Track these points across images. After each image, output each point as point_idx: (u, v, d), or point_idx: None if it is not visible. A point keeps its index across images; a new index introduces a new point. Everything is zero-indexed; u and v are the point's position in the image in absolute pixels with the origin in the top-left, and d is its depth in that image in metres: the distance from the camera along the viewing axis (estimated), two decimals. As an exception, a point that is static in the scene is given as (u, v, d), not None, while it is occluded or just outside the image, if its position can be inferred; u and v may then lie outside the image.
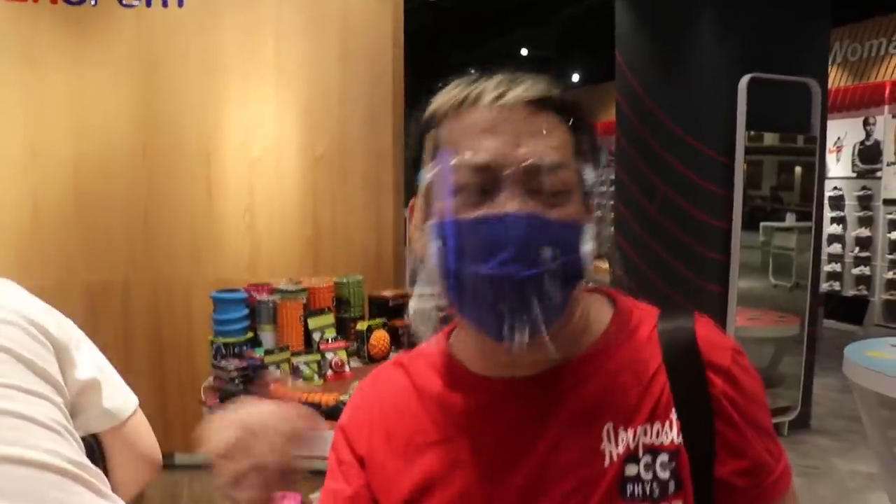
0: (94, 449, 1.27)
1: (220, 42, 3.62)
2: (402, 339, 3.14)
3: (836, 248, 9.90)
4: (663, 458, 0.82)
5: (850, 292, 9.78)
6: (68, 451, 1.04)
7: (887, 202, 9.38)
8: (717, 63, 4.97)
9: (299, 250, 3.74)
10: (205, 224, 3.68)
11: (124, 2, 3.59)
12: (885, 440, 3.58)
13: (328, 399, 2.39)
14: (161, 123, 3.62)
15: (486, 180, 0.77)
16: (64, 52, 3.55)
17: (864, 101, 9.53)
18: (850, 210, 9.91)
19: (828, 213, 9.81)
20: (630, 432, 0.83)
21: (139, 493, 1.33)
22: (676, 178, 5.17)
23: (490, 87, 0.80)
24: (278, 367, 2.66)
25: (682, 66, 5.19)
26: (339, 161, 3.73)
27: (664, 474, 0.82)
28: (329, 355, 2.82)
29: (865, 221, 9.74)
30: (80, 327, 1.23)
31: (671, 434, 0.83)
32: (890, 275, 9.34)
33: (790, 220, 5.69)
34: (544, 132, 0.79)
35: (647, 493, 0.81)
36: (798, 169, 5.54)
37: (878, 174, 9.56)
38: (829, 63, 9.52)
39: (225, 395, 2.46)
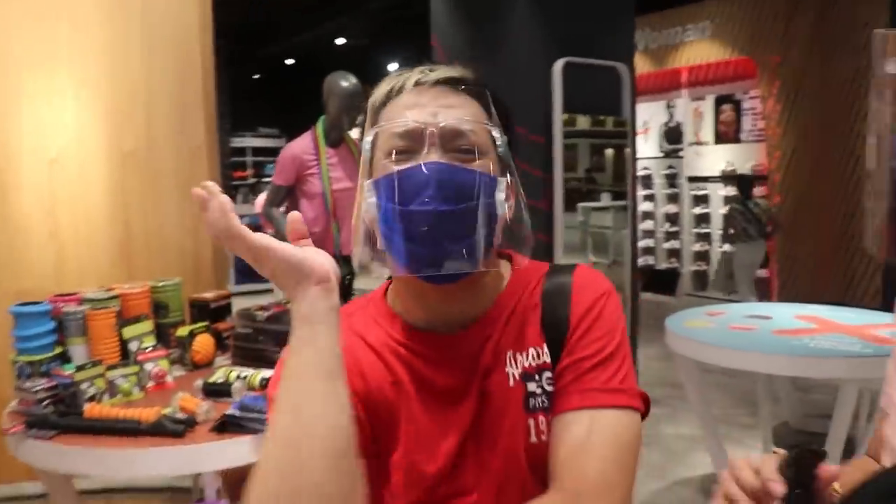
0: None
1: (3, 30, 3.27)
2: (226, 343, 2.98)
3: (648, 224, 10.49)
4: (547, 374, 1.02)
5: (663, 265, 10.39)
6: None
7: (691, 179, 10.03)
8: (533, 47, 5.08)
9: (110, 256, 3.46)
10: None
11: None
12: (705, 404, 3.79)
13: (149, 415, 2.20)
14: (-62, 123, 3.22)
15: (411, 144, 0.97)
16: None
17: (665, 86, 10.15)
18: (659, 188, 10.53)
19: (639, 192, 10.36)
20: (522, 355, 1.03)
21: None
22: (498, 163, 5.25)
23: (413, 75, 1.02)
24: (92, 383, 2.43)
25: (499, 50, 5.26)
26: (148, 159, 3.48)
27: (550, 388, 1.02)
28: (148, 366, 2.61)
29: (673, 198, 10.38)
30: None
31: (544, 355, 1.03)
32: (697, 247, 10.01)
33: (605, 199, 5.94)
34: (456, 105, 1.00)
35: (542, 405, 1.01)
36: (609, 151, 5.76)
37: (681, 153, 10.21)
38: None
39: (32, 420, 2.21)
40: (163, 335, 2.88)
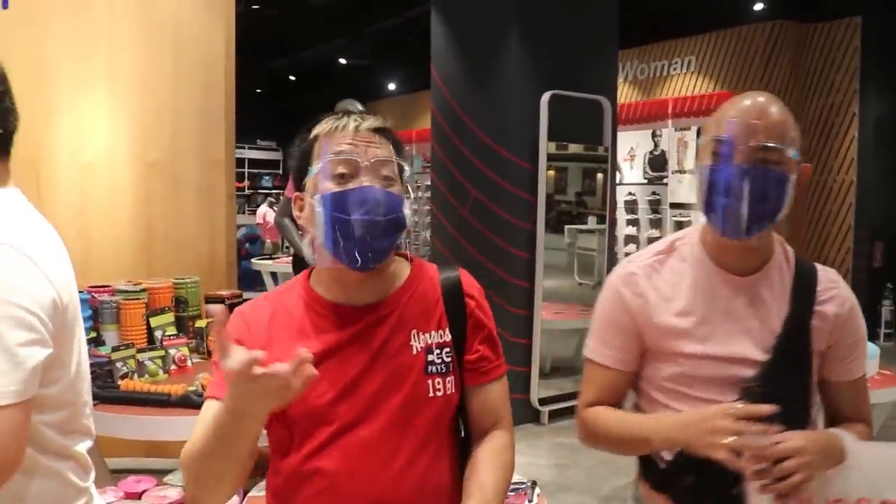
0: None
1: (49, 47, 3.63)
2: (239, 336, 3.33)
3: (631, 247, 10.84)
4: (446, 349, 1.42)
5: (644, 287, 10.74)
6: None
7: (673, 206, 10.41)
8: (522, 80, 5.48)
9: (133, 255, 3.82)
10: (34, 229, 3.68)
11: (-56, 0, 3.53)
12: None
13: (177, 389, 2.58)
14: (-17, 127, 3.56)
15: (350, 170, 1.33)
16: None
17: (651, 115, 10.55)
18: (643, 213, 10.89)
19: (624, 216, 10.76)
20: (426, 335, 1.41)
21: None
22: (486, 184, 5.62)
23: (351, 121, 1.38)
24: (125, 363, 2.80)
25: (490, 81, 5.66)
26: (171, 169, 3.85)
27: (447, 359, 1.42)
28: (172, 351, 2.99)
29: (655, 223, 10.74)
30: None
31: (447, 336, 1.43)
32: (677, 271, 10.34)
33: (592, 223, 6.25)
34: (381, 145, 1.37)
35: (439, 370, 1.41)
36: (600, 176, 6.04)
37: (665, 180, 10.59)
38: (621, 81, 10.48)
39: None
40: (182, 326, 3.25)
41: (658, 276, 1.62)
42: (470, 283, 1.49)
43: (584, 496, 4.31)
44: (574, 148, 5.77)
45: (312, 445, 1.35)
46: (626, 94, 10.67)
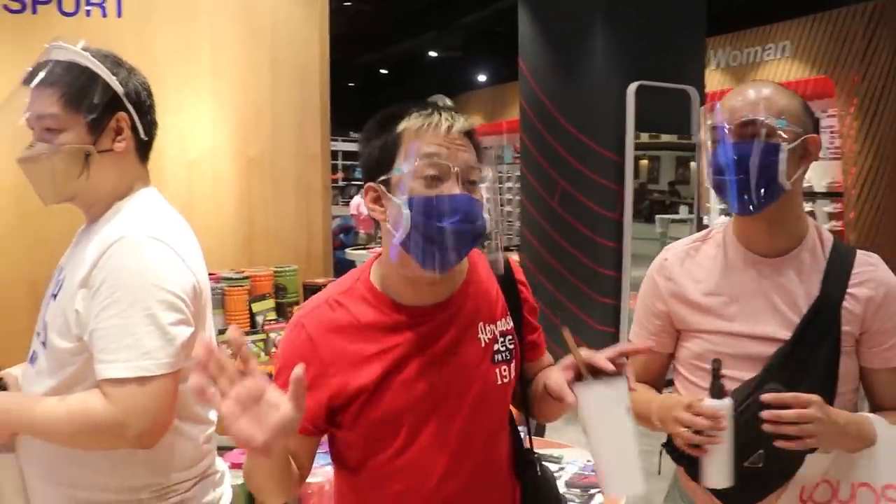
0: None
1: (158, 52, 3.86)
2: (334, 321, 3.51)
3: (723, 237, 10.67)
4: (509, 336, 1.49)
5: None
6: None
7: (767, 194, 10.17)
8: (609, 71, 5.51)
9: (235, 248, 4.03)
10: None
11: (64, 10, 3.80)
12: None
13: (278, 370, 2.76)
14: (101, 128, 3.84)
15: (440, 173, 1.29)
16: (3, 60, 3.72)
17: (744, 103, 10.29)
18: (736, 202, 10.67)
19: (717, 205, 10.58)
20: (491, 326, 1.46)
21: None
22: (574, 175, 5.69)
23: (443, 120, 1.33)
24: (228, 346, 3.00)
25: (577, 72, 5.71)
26: (270, 165, 4.06)
27: (511, 346, 1.48)
28: (273, 335, 3.19)
29: (749, 212, 10.53)
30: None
31: (509, 323, 1.49)
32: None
33: (684, 212, 6.25)
34: (468, 148, 1.35)
35: (504, 357, 1.46)
36: (694, 164, 6.05)
37: (759, 169, 10.35)
38: (712, 69, 10.30)
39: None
40: (282, 312, 3.46)
41: (691, 261, 1.72)
42: (518, 270, 1.57)
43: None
44: (666, 137, 5.77)
45: (393, 446, 1.38)
46: (718, 81, 10.47)
